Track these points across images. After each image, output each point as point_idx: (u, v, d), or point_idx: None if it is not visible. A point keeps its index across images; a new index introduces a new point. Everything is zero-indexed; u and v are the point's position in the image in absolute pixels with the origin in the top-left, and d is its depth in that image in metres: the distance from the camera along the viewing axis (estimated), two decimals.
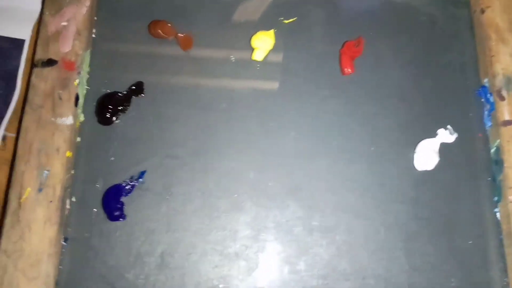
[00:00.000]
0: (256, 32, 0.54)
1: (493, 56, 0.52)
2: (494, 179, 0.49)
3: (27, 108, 0.50)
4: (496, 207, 0.49)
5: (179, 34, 0.55)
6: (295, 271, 0.48)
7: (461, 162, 0.51)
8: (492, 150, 0.50)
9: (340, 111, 0.53)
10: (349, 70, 0.53)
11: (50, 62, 0.51)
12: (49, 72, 0.51)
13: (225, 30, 0.56)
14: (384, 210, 0.49)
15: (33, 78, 0.51)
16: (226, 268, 0.48)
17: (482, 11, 0.54)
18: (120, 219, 0.48)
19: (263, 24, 0.56)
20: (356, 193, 0.50)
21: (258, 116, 0.53)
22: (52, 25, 0.53)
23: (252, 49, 0.54)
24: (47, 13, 0.53)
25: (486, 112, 0.52)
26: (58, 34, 0.52)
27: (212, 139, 0.52)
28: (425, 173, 0.50)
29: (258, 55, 0.54)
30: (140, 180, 0.50)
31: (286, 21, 0.56)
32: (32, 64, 0.51)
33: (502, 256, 0.47)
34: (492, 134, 0.50)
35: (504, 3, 0.53)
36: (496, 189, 0.49)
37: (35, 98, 0.50)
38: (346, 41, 0.54)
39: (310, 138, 0.52)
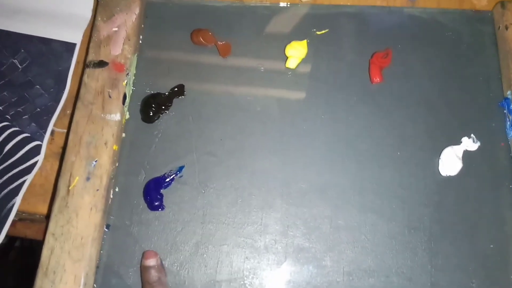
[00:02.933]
0: (290, 42, 0.58)
1: None
2: None
3: (79, 104, 0.54)
4: None
5: (219, 42, 0.59)
6: (321, 266, 0.50)
7: (484, 169, 0.53)
8: None
9: (369, 118, 0.55)
10: (378, 79, 0.56)
11: (101, 64, 0.55)
12: (100, 73, 0.55)
13: (261, 39, 0.60)
14: (409, 212, 0.51)
15: (85, 77, 0.55)
16: (255, 260, 0.50)
17: (506, 27, 0.56)
18: (159, 209, 0.51)
19: (296, 35, 0.59)
20: (382, 195, 0.52)
21: (291, 120, 0.56)
22: (104, 30, 0.57)
23: (285, 58, 0.58)
24: (99, 19, 0.58)
25: (508, 123, 0.54)
26: (109, 39, 0.57)
27: (247, 140, 0.55)
28: (449, 178, 0.52)
29: (292, 63, 0.57)
30: (179, 174, 0.53)
31: (319, 33, 0.60)
32: (85, 64, 0.56)
33: None
34: None
35: None
36: None
37: (86, 95, 0.54)
38: (375, 52, 0.57)
39: (339, 142, 0.55)
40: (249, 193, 0.53)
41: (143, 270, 0.48)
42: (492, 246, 0.49)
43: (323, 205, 0.52)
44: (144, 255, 0.49)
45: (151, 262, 0.48)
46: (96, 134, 0.52)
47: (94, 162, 0.51)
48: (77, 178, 0.50)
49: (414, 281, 0.49)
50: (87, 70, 0.55)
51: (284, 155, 0.54)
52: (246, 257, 0.50)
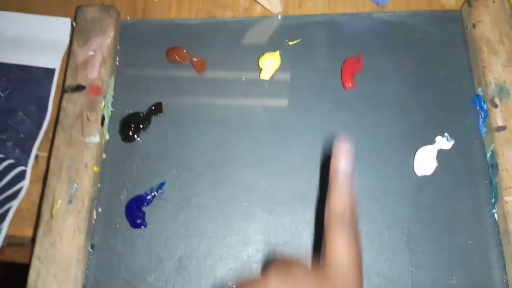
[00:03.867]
0: (263, 54, 0.59)
1: (485, 67, 0.55)
2: (491, 182, 0.52)
3: (59, 129, 0.55)
4: (494, 208, 0.51)
5: (194, 59, 0.60)
6: None
7: (459, 167, 0.53)
8: (488, 155, 0.53)
9: (344, 123, 0.56)
10: (350, 85, 0.57)
11: (79, 88, 0.57)
12: (78, 97, 0.56)
13: (235, 53, 0.61)
14: (387, 213, 0.52)
15: (63, 102, 0.56)
16: (239, 270, 0.51)
17: (474, 26, 0.57)
18: (142, 226, 0.52)
19: (270, 46, 0.60)
20: (360, 198, 0.53)
21: (268, 130, 0.57)
22: (80, 55, 0.59)
23: (260, 70, 0.59)
24: (75, 44, 0.59)
25: (481, 120, 0.55)
26: (86, 63, 0.58)
27: (226, 153, 0.56)
28: (425, 177, 0.53)
29: (265, 75, 0.59)
30: (160, 191, 0.54)
31: (291, 43, 0.61)
32: (63, 89, 0.57)
33: (501, 255, 0.49)
34: (487, 139, 0.53)
35: (494, 18, 0.57)
36: (493, 191, 0.51)
37: (65, 120, 0.55)
38: (347, 59, 0.58)
39: (317, 148, 0.55)
40: (230, 205, 0.54)
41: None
42: (470, 242, 0.50)
43: (303, 211, 0.53)
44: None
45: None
46: (77, 157, 0.53)
47: (76, 185, 0.52)
48: (59, 201, 0.52)
49: (395, 281, 0.49)
50: (65, 95, 0.56)
51: (263, 166, 0.55)
52: (230, 268, 0.51)
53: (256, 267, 0.51)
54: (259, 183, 0.54)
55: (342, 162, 0.35)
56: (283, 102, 0.58)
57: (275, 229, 0.52)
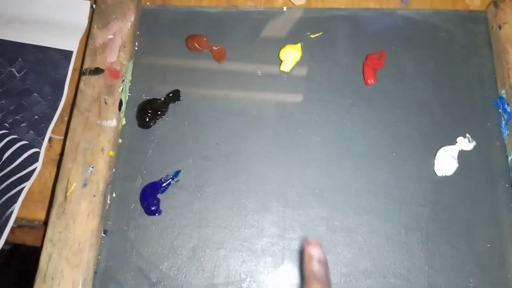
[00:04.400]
0: (284, 46, 0.58)
1: (510, 68, 0.54)
2: (511, 186, 0.51)
3: (75, 112, 0.54)
4: None
5: (214, 47, 0.59)
6: None
7: (480, 169, 0.53)
8: (510, 158, 0.52)
9: (364, 119, 0.56)
10: (372, 81, 0.56)
11: (97, 71, 0.56)
12: (96, 80, 0.56)
13: (255, 44, 0.60)
14: (405, 213, 0.51)
15: (81, 85, 0.56)
16: (253, 263, 0.50)
17: (500, 27, 0.57)
18: (156, 214, 0.52)
19: (291, 39, 0.60)
20: (378, 196, 0.52)
21: (286, 123, 0.56)
22: (99, 37, 0.58)
23: (280, 62, 0.58)
24: (95, 26, 0.59)
25: (503, 122, 0.54)
26: (105, 46, 0.57)
27: (243, 144, 0.55)
28: (445, 178, 0.52)
29: (286, 67, 0.58)
30: (175, 179, 0.53)
31: (313, 36, 0.60)
32: (81, 72, 0.57)
33: None
34: (509, 142, 0.52)
35: None
36: None
37: (83, 102, 0.55)
38: (369, 54, 0.58)
39: (335, 144, 0.55)
40: (245, 196, 0.53)
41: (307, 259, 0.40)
42: (489, 245, 0.49)
43: (319, 207, 0.52)
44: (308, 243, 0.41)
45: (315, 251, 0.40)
46: (93, 140, 0.53)
47: (91, 168, 0.51)
48: (74, 184, 0.51)
49: (412, 282, 0.49)
50: (83, 78, 0.56)
51: (279, 158, 0.54)
52: (243, 261, 0.51)
53: (270, 260, 0.50)
54: (275, 176, 0.54)
55: (315, 251, 0.40)
56: (302, 96, 0.58)
57: (290, 223, 0.52)
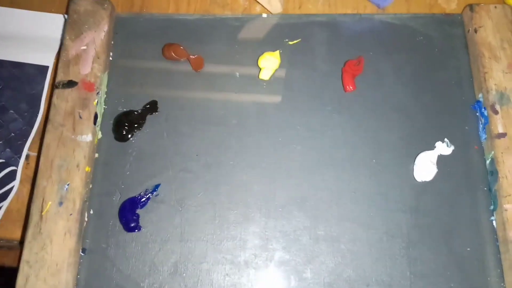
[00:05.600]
0: (262, 53, 0.58)
1: (486, 72, 0.55)
2: (490, 189, 0.52)
3: (49, 127, 0.53)
4: (492, 215, 0.51)
5: (191, 56, 0.58)
6: (302, 279, 0.50)
7: (459, 173, 0.53)
8: (488, 161, 0.53)
9: (343, 126, 0.55)
10: (351, 87, 0.56)
11: (71, 84, 0.54)
12: (70, 93, 0.54)
13: (234, 51, 0.59)
14: (386, 219, 0.51)
15: (54, 99, 0.54)
16: (236, 276, 0.50)
17: (475, 31, 0.57)
18: (136, 230, 0.51)
19: (269, 45, 0.59)
20: (360, 203, 0.52)
21: (266, 131, 0.56)
22: (72, 49, 0.56)
23: (259, 69, 0.58)
24: (67, 38, 0.57)
25: (481, 126, 0.54)
26: (78, 58, 0.56)
27: (223, 154, 0.55)
28: (425, 183, 0.53)
29: (265, 75, 0.57)
30: (155, 193, 0.52)
31: (291, 43, 0.59)
32: (54, 85, 0.55)
33: (499, 262, 0.49)
34: (487, 146, 0.53)
35: (495, 23, 0.57)
36: (492, 198, 0.51)
37: (56, 117, 0.53)
38: (348, 60, 0.57)
39: (315, 151, 0.55)
40: (227, 208, 0.52)
41: None
42: (469, 249, 0.50)
43: (301, 216, 0.52)
44: None
45: None
46: (68, 157, 0.51)
47: (66, 186, 0.50)
48: (49, 203, 0.49)
49: None
50: (56, 91, 0.54)
51: (261, 168, 0.54)
52: (227, 274, 0.50)
53: (254, 272, 0.50)
54: (256, 186, 0.53)
55: None
56: (282, 103, 0.57)
57: (273, 234, 0.51)
